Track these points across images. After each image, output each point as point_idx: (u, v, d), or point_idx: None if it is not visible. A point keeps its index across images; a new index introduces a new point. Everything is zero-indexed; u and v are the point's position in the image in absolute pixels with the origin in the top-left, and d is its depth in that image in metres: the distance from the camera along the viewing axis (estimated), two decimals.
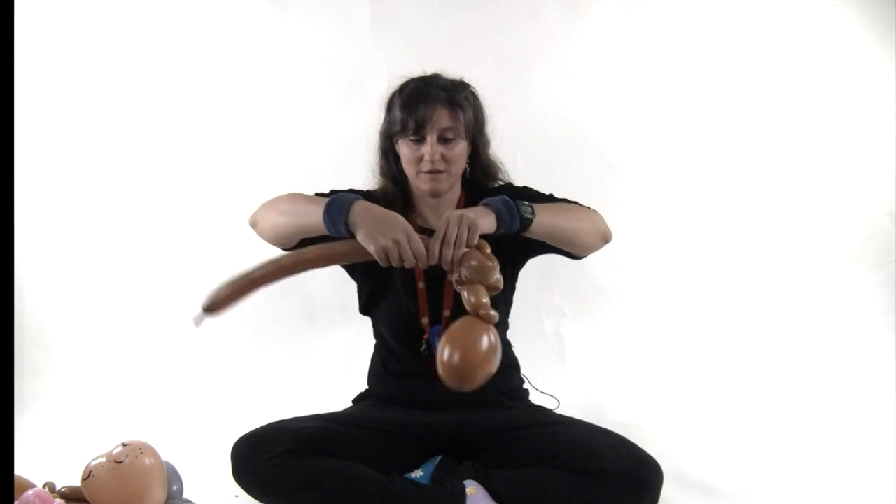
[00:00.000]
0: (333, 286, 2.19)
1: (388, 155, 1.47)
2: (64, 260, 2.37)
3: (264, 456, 1.26)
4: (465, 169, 1.46)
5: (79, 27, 2.32)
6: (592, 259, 2.35)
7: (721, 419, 1.95)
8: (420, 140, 1.37)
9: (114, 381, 2.24)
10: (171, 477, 1.21)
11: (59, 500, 1.14)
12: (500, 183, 1.51)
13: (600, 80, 2.38)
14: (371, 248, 1.16)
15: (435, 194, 1.40)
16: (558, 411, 1.47)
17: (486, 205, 1.22)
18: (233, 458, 1.30)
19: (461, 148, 1.39)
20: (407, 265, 1.16)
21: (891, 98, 2.34)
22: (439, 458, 1.40)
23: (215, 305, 1.16)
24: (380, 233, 1.15)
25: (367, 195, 1.48)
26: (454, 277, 1.17)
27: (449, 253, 1.14)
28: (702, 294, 2.39)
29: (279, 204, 1.35)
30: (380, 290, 1.45)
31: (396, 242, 1.14)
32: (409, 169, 1.41)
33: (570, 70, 2.37)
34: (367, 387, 1.56)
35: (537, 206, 1.25)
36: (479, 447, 1.38)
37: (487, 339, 1.11)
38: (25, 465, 1.29)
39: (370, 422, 1.40)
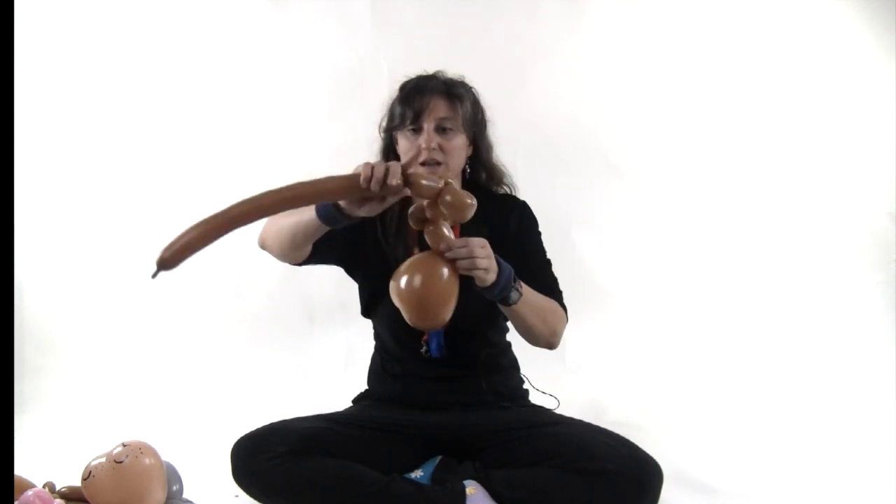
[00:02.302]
0: (333, 286, 2.19)
1: (389, 155, 1.47)
2: (64, 260, 2.37)
3: (265, 456, 1.26)
4: (466, 170, 1.46)
5: (78, 27, 2.32)
6: (592, 259, 2.39)
7: (721, 419, 1.95)
8: (418, 130, 1.37)
9: (114, 382, 2.24)
10: (171, 477, 1.21)
11: (59, 500, 1.14)
12: (506, 189, 1.51)
13: (600, 80, 2.38)
14: (355, 170, 1.11)
15: None
16: (558, 411, 1.47)
17: (499, 265, 1.22)
18: (233, 458, 1.30)
19: (459, 141, 1.39)
20: (388, 179, 1.08)
21: (891, 98, 2.34)
22: (439, 458, 1.40)
23: (176, 254, 1.03)
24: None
25: None
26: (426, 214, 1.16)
27: (461, 253, 1.15)
28: (702, 294, 2.39)
29: (279, 216, 1.35)
30: (380, 292, 1.45)
31: (376, 165, 1.10)
32: None
33: (570, 70, 2.37)
34: (367, 387, 1.56)
35: (525, 294, 1.27)
36: (479, 447, 1.38)
37: (448, 271, 1.14)
38: (25, 465, 1.29)
39: (370, 422, 1.40)
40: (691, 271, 2.40)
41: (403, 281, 1.14)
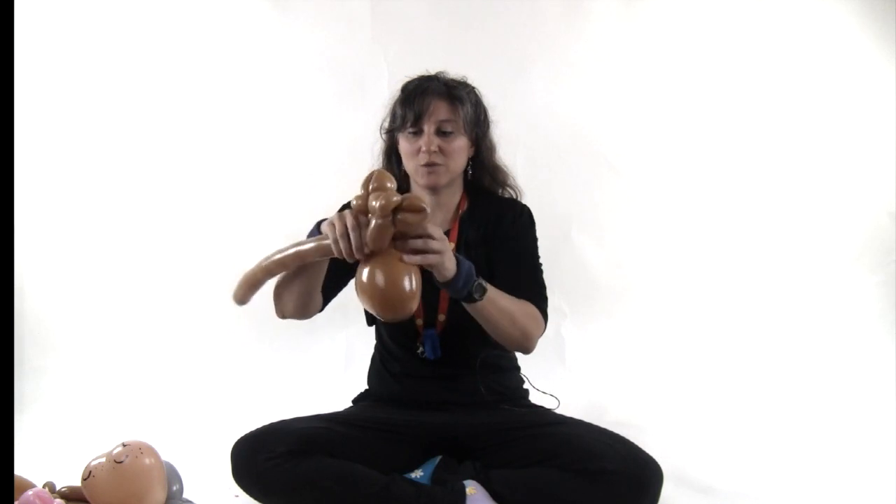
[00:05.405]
0: None
1: (391, 156, 1.47)
2: (64, 260, 2.37)
3: (264, 456, 1.26)
4: (467, 171, 1.46)
5: (79, 27, 2.31)
6: (593, 259, 2.39)
7: (720, 419, 1.95)
8: (418, 132, 1.37)
9: (114, 381, 2.24)
10: (171, 477, 1.21)
11: (59, 500, 1.14)
12: (510, 193, 1.51)
13: (600, 81, 2.38)
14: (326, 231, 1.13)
15: (433, 188, 1.40)
16: (558, 411, 1.47)
17: (458, 261, 1.19)
18: (233, 458, 1.30)
19: (460, 143, 1.39)
20: (353, 242, 1.09)
21: (891, 98, 2.34)
22: (439, 458, 1.40)
23: (239, 296, 1.24)
24: (335, 218, 1.12)
25: None
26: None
27: (416, 244, 1.11)
28: (702, 294, 2.39)
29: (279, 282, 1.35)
30: None
31: (336, 224, 1.10)
32: (408, 164, 1.41)
33: (570, 70, 2.37)
34: (367, 387, 1.57)
35: (492, 294, 1.24)
36: (479, 447, 1.38)
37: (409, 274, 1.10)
38: (25, 465, 1.29)
39: (370, 422, 1.40)
40: (691, 272, 2.40)
41: (365, 277, 1.11)
